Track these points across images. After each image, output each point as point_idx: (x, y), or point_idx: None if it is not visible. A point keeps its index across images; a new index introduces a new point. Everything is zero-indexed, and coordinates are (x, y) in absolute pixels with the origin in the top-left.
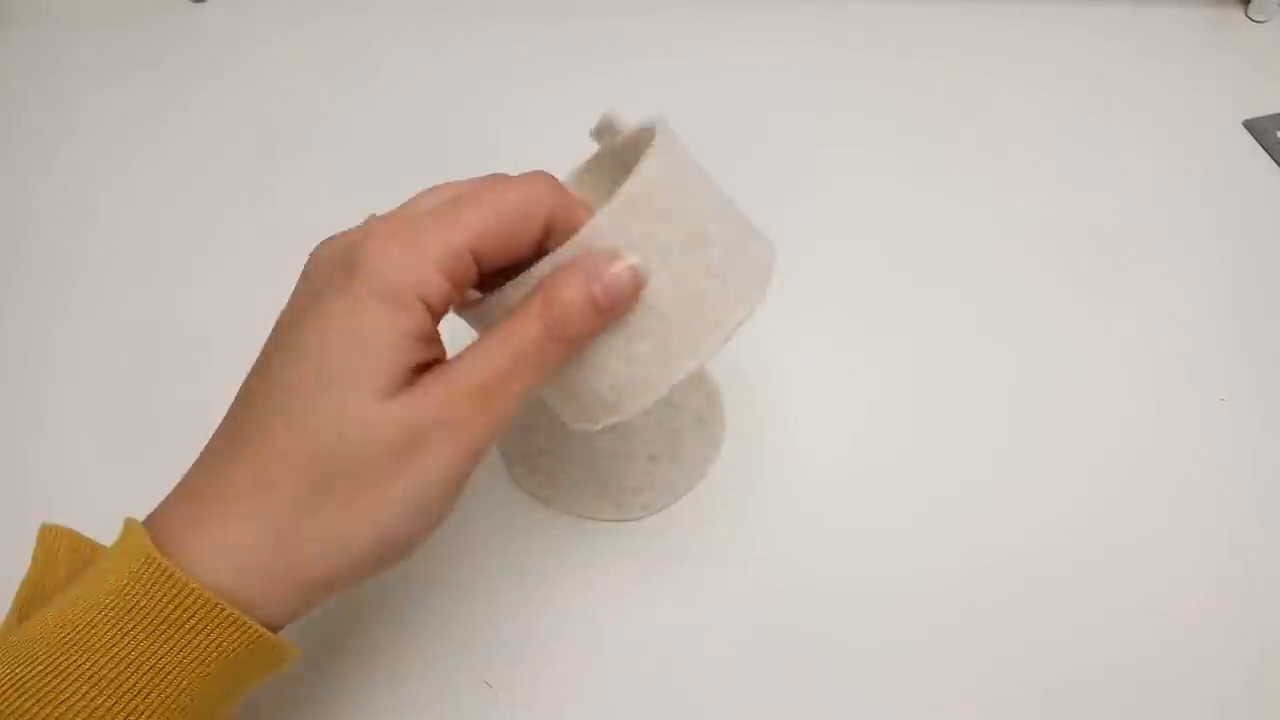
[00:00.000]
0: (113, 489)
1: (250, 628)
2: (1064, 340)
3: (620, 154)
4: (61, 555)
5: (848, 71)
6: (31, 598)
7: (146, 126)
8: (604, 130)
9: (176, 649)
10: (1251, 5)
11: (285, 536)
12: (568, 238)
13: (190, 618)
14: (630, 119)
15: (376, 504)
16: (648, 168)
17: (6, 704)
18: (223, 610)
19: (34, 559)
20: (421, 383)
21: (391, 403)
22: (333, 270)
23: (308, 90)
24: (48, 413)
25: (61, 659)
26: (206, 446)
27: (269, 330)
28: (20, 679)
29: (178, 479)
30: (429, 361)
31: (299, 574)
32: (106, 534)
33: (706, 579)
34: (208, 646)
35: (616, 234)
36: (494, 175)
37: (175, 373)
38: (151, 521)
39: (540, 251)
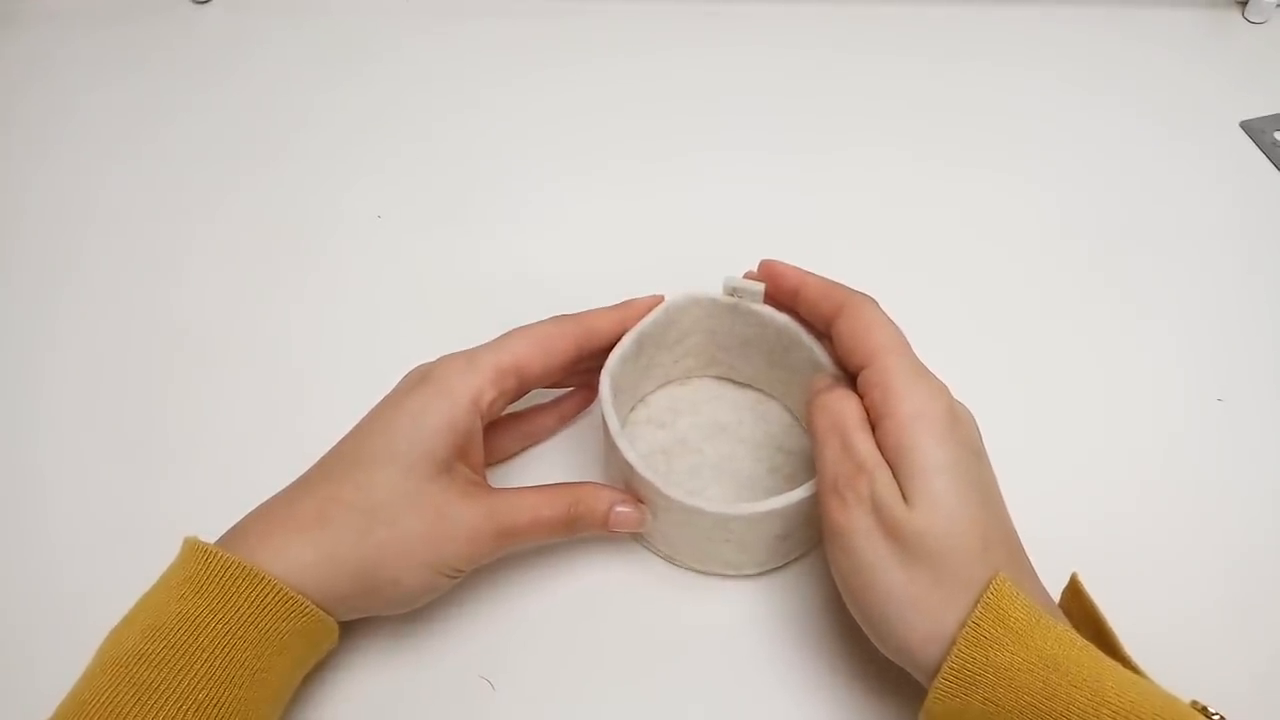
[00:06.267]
0: (112, 488)
1: (273, 585)
2: (1058, 340)
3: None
4: None
5: (847, 70)
6: None
7: (148, 126)
8: (741, 292)
9: (221, 613)
10: (1249, 6)
11: (327, 552)
12: (597, 353)
13: (231, 581)
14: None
15: (400, 555)
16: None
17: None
18: (256, 574)
19: None
20: (474, 492)
21: (433, 484)
22: (413, 380)
23: (308, 91)
24: (46, 411)
25: (141, 618)
26: (290, 485)
27: (266, 330)
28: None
29: (176, 478)
30: (467, 449)
31: (330, 583)
32: (104, 531)
33: (707, 581)
34: (245, 606)
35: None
36: (547, 319)
37: (174, 372)
38: (229, 533)
39: (573, 368)
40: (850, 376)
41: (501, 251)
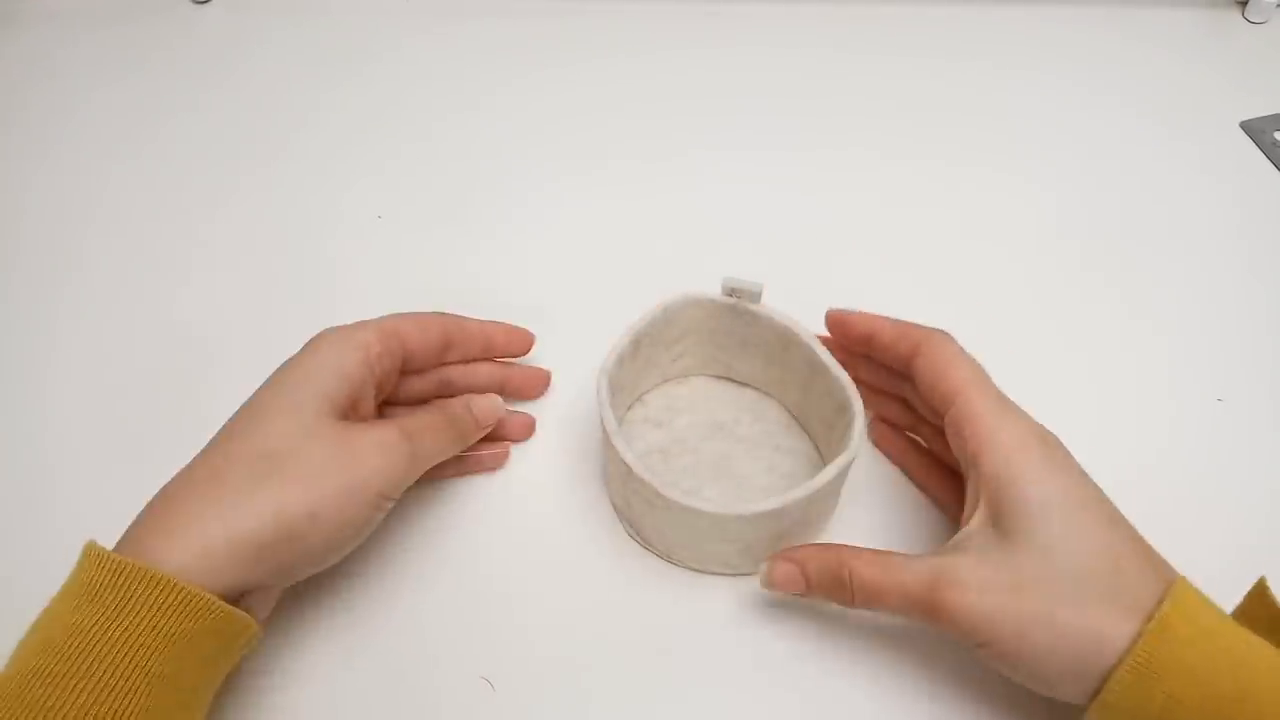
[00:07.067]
0: (114, 488)
1: (172, 585)
2: (1058, 340)
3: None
4: None
5: (847, 70)
6: None
7: (148, 126)
8: (740, 292)
9: (117, 619)
10: (1249, 6)
11: (229, 511)
12: (461, 346)
13: (126, 585)
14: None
15: (311, 486)
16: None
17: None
18: (152, 574)
19: None
20: (374, 419)
21: (332, 419)
22: (302, 347)
23: (308, 91)
24: (47, 411)
25: (41, 635)
26: (190, 461)
27: (267, 329)
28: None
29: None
30: (358, 402)
31: (243, 542)
32: (105, 532)
33: (705, 580)
34: (144, 610)
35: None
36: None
37: (174, 372)
38: (134, 523)
39: (441, 356)
40: (933, 413)
41: (502, 251)
